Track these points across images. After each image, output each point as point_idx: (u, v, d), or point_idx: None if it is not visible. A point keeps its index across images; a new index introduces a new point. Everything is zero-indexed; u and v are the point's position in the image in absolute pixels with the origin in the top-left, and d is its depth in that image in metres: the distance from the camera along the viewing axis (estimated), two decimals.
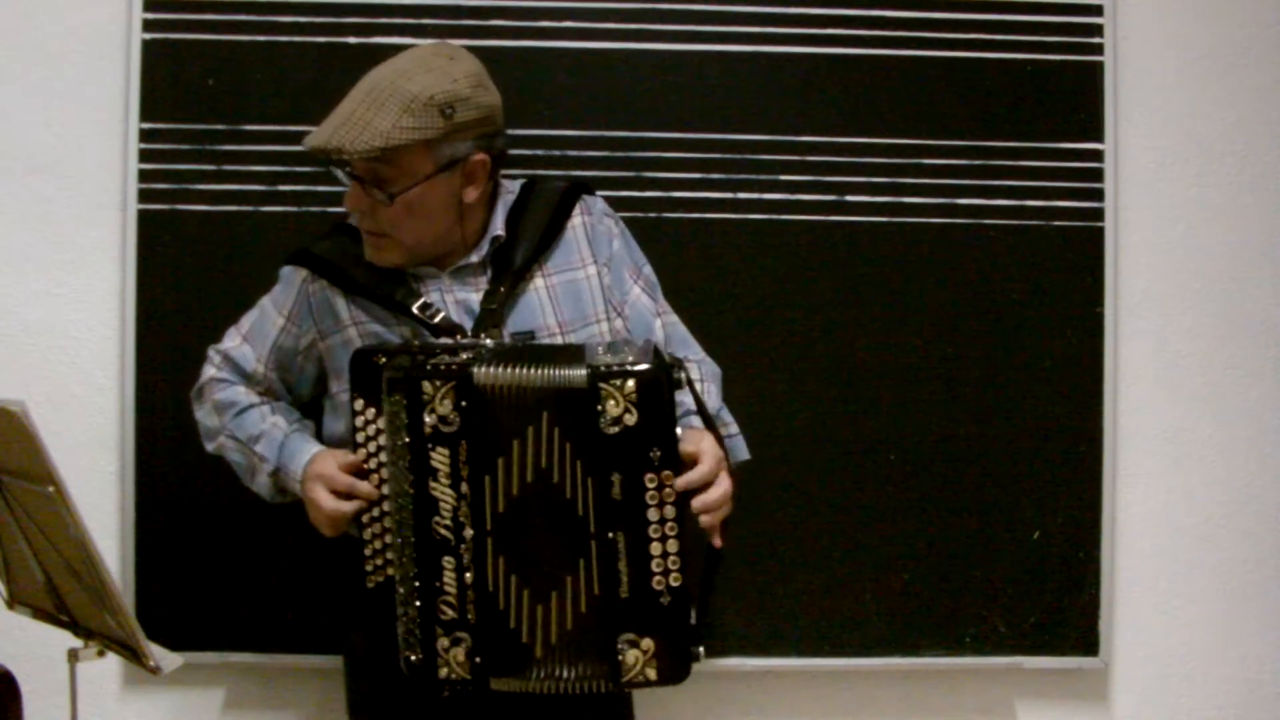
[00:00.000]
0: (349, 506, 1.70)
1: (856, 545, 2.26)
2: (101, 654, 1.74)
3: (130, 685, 2.27)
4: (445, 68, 1.66)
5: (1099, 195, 2.30)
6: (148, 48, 2.19)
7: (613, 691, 1.65)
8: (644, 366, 1.59)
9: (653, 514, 1.61)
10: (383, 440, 1.68)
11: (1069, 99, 2.29)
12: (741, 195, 2.25)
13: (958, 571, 2.28)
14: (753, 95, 2.25)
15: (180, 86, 2.19)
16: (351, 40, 2.21)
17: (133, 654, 1.68)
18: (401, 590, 1.65)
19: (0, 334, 2.25)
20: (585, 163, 2.19)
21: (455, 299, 1.75)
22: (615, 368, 1.59)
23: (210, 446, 1.88)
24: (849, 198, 2.26)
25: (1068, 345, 2.29)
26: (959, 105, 2.28)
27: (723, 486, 1.65)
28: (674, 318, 1.89)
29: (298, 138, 2.17)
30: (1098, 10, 2.29)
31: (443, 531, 1.63)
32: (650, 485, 1.61)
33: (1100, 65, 2.29)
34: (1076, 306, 2.29)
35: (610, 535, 1.61)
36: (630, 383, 1.58)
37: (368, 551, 1.72)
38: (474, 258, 1.76)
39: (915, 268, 2.27)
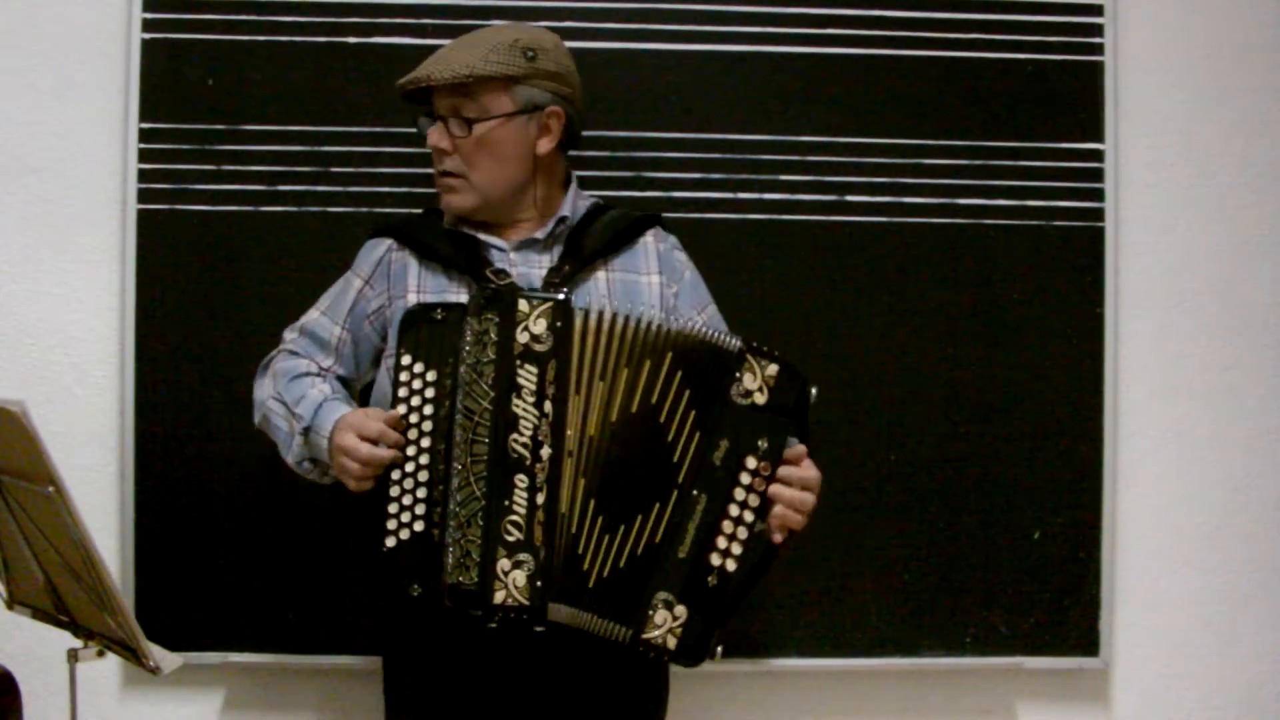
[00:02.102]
0: (384, 453, 1.67)
1: (856, 545, 2.26)
2: (101, 654, 1.74)
3: (130, 685, 2.27)
4: (533, 29, 1.84)
5: (1099, 195, 2.30)
6: (148, 48, 2.19)
7: (625, 644, 1.65)
8: (791, 363, 1.67)
9: (739, 493, 1.65)
10: (429, 394, 1.67)
11: (1069, 99, 2.29)
12: (741, 195, 2.25)
13: (958, 571, 2.28)
14: (753, 95, 2.25)
15: (180, 86, 2.19)
16: (351, 40, 2.21)
17: (133, 654, 1.68)
18: (461, 513, 1.64)
19: (0, 334, 2.25)
20: (585, 163, 2.19)
21: (517, 272, 1.80)
22: (766, 349, 1.67)
23: (257, 417, 1.88)
24: (849, 198, 2.26)
25: (1068, 345, 2.29)
26: (959, 105, 2.28)
27: (812, 500, 1.69)
28: None
29: (298, 138, 2.20)
30: (1098, 10, 2.29)
31: (519, 449, 1.65)
32: (749, 466, 1.65)
33: (1100, 65, 2.30)
34: (1076, 306, 2.30)
35: (694, 493, 1.65)
36: (773, 367, 1.67)
37: (392, 509, 1.69)
38: (539, 234, 1.82)
39: (915, 268, 2.27)
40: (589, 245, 1.82)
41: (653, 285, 1.84)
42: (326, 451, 1.75)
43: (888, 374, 2.26)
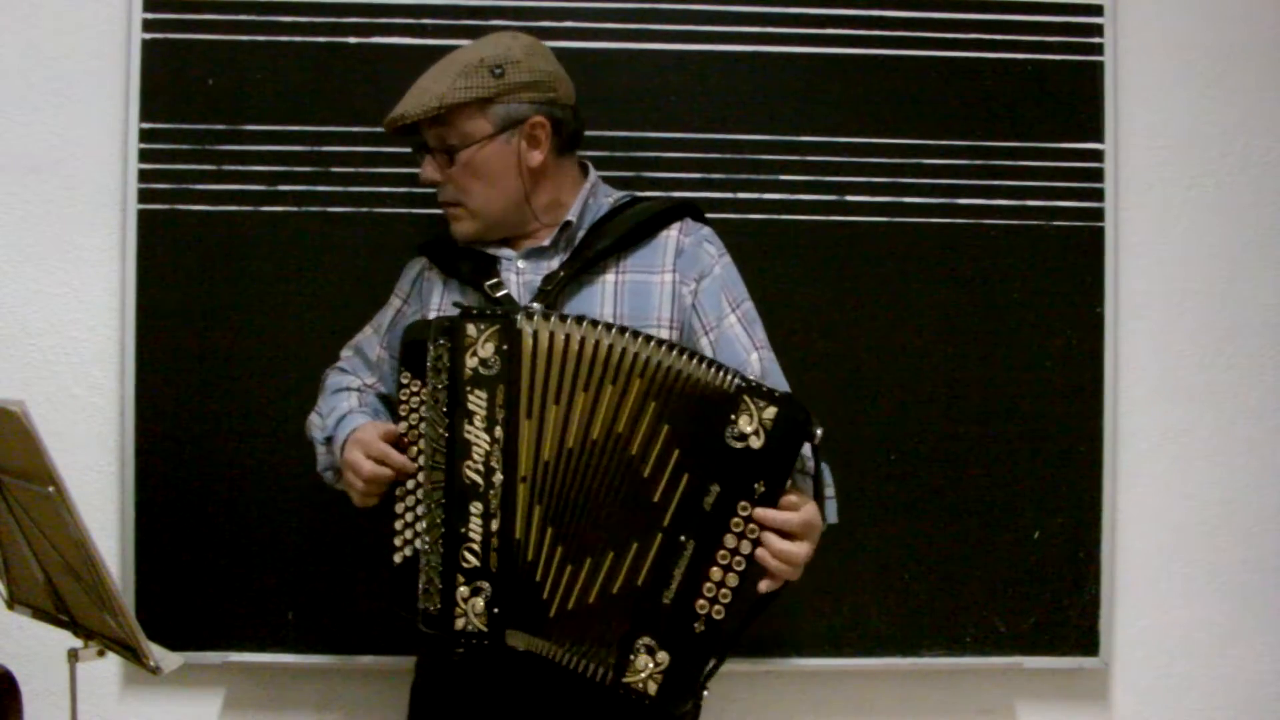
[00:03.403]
0: (383, 471, 1.69)
1: (856, 545, 2.26)
2: (101, 654, 1.74)
3: (130, 685, 2.27)
4: (503, 41, 1.79)
5: (1099, 195, 2.30)
6: (148, 48, 2.19)
7: (599, 684, 1.61)
8: (791, 402, 1.58)
9: (730, 540, 1.58)
10: (424, 412, 1.68)
11: (1069, 99, 2.29)
12: (741, 195, 2.25)
13: (958, 571, 2.28)
14: (753, 95, 2.25)
15: (180, 86, 2.19)
16: (351, 40, 2.21)
17: (133, 654, 1.68)
18: (426, 539, 1.64)
19: (0, 334, 2.25)
20: None
21: (523, 280, 1.79)
22: (764, 388, 1.58)
23: (308, 433, 1.89)
24: (849, 198, 2.26)
25: (1068, 345, 2.29)
26: (959, 105, 2.28)
27: (805, 550, 1.60)
28: (771, 355, 1.82)
29: (298, 138, 2.20)
30: (1098, 10, 2.29)
31: (472, 476, 1.62)
32: (742, 513, 1.58)
33: (1100, 65, 2.30)
34: (1076, 306, 2.30)
35: (682, 538, 1.58)
36: (771, 409, 1.57)
37: (397, 526, 1.70)
38: (545, 241, 1.80)
39: (915, 268, 2.27)
40: (597, 246, 1.78)
41: (664, 285, 1.78)
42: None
43: (888, 374, 2.26)
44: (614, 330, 1.62)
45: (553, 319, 1.63)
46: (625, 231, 1.78)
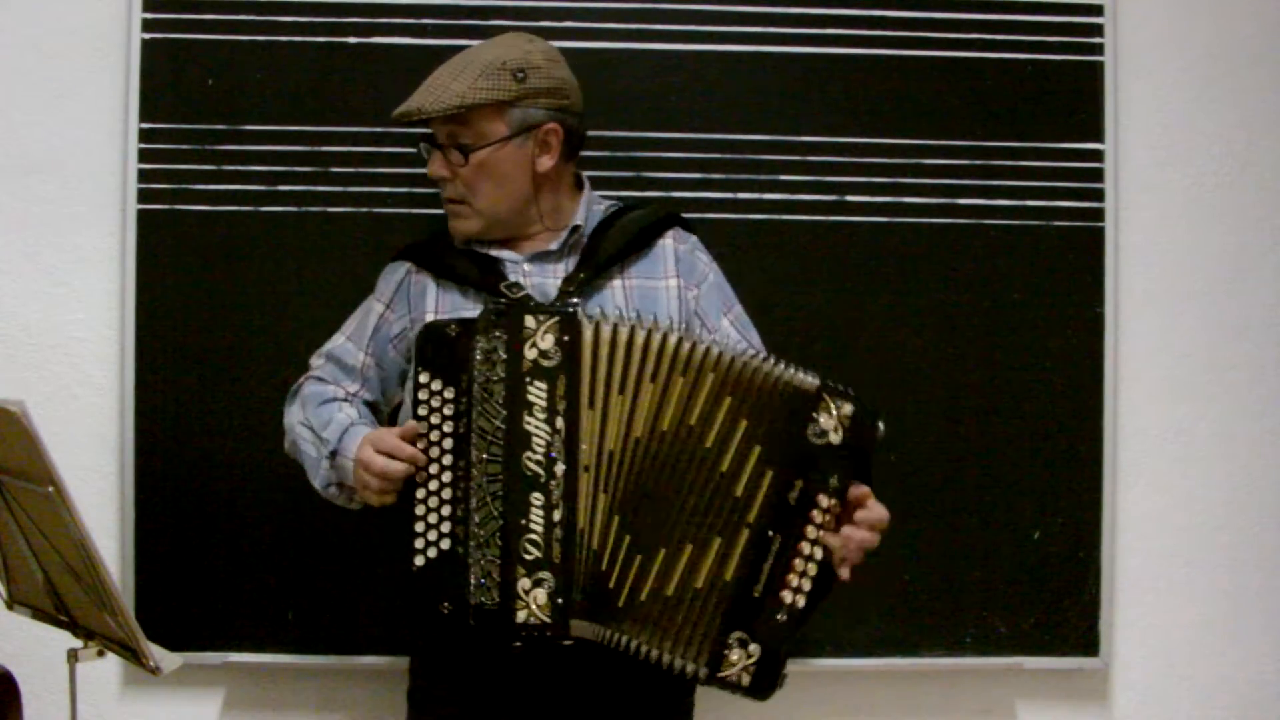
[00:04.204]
0: (398, 466, 1.66)
1: None
2: (101, 654, 1.74)
3: (130, 685, 2.27)
4: (520, 44, 1.80)
5: (1099, 195, 2.30)
6: (148, 48, 2.19)
7: (692, 680, 1.66)
8: (863, 401, 1.66)
9: (811, 531, 1.64)
10: (448, 411, 1.67)
11: (1069, 99, 2.29)
12: (741, 195, 2.25)
13: (958, 571, 2.28)
14: (753, 95, 2.25)
15: (180, 86, 2.19)
16: (351, 40, 2.21)
17: (133, 654, 1.68)
18: (481, 533, 1.63)
19: (0, 334, 2.25)
20: (585, 163, 2.18)
21: (533, 284, 1.79)
22: (842, 387, 1.66)
23: (287, 443, 1.88)
24: (849, 198, 2.26)
25: (1068, 345, 2.29)
26: (959, 105, 2.28)
27: (877, 540, 1.68)
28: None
29: (298, 138, 2.20)
30: (1098, 10, 2.29)
31: (533, 467, 1.64)
32: (821, 505, 1.64)
33: (1100, 65, 2.29)
34: (1076, 306, 2.30)
35: (770, 533, 1.64)
36: (849, 406, 1.66)
37: (419, 528, 1.68)
38: (553, 245, 1.82)
39: (915, 268, 2.27)
40: (604, 252, 1.81)
41: (670, 290, 1.82)
42: (352, 474, 1.74)
43: (888, 374, 2.26)
44: (677, 328, 1.68)
45: (610, 315, 1.67)
46: (629, 239, 1.82)
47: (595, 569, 1.65)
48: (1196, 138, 2.37)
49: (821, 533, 1.65)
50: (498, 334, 1.65)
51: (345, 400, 1.86)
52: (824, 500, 1.65)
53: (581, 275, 1.78)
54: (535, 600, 1.63)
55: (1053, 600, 2.29)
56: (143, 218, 2.19)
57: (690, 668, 1.65)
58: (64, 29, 2.23)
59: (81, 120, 2.23)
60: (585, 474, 1.65)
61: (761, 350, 1.81)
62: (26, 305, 2.25)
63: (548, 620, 1.63)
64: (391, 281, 1.88)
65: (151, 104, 2.19)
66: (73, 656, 1.73)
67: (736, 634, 1.64)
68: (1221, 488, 2.39)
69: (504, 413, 1.64)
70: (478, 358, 1.66)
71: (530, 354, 1.65)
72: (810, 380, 1.66)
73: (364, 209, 2.20)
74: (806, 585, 1.65)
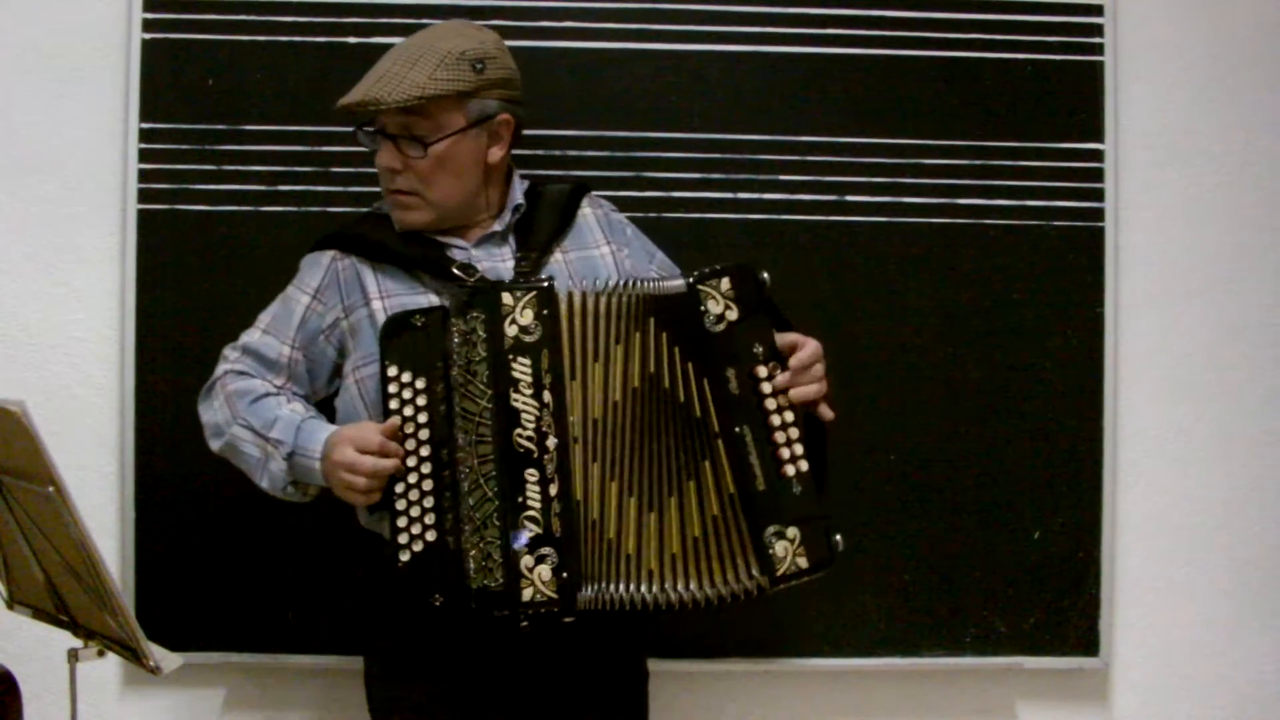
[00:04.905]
0: (388, 463, 1.65)
1: (856, 545, 2.25)
2: (101, 654, 1.74)
3: (130, 685, 2.27)
4: (472, 32, 1.80)
5: (1099, 195, 2.30)
6: (148, 48, 2.19)
7: (762, 594, 1.67)
8: (736, 266, 1.69)
9: (770, 404, 1.68)
10: (421, 402, 1.66)
11: (1069, 99, 2.29)
12: (741, 195, 2.25)
13: (958, 571, 2.28)
14: (753, 95, 2.25)
15: (180, 86, 2.19)
16: (351, 40, 2.21)
17: (133, 654, 1.68)
18: (477, 516, 1.63)
19: (0, 334, 2.25)
20: (585, 163, 2.19)
21: (483, 268, 1.78)
22: (707, 270, 1.69)
23: (217, 444, 1.82)
24: (849, 198, 2.26)
25: (1068, 345, 2.29)
26: (959, 105, 2.28)
27: (821, 369, 1.73)
28: None
29: (298, 138, 2.20)
30: (1098, 10, 2.29)
31: (525, 444, 1.65)
32: (762, 376, 1.68)
33: (1100, 65, 2.29)
34: (1076, 306, 2.30)
35: (737, 430, 1.67)
36: (725, 280, 1.69)
37: (401, 523, 1.66)
38: (498, 226, 1.82)
39: (915, 268, 2.27)
40: (541, 230, 1.82)
41: (606, 257, 1.85)
42: (318, 473, 1.72)
43: (888, 374, 2.26)
44: (626, 282, 1.71)
45: (574, 283, 1.70)
46: (559, 214, 1.85)
47: (601, 536, 1.66)
48: (1196, 138, 2.37)
49: (779, 398, 1.68)
50: (475, 314, 1.66)
51: (278, 394, 1.81)
52: (761, 371, 1.68)
53: (535, 254, 1.79)
54: (540, 577, 1.63)
55: (1053, 600, 2.29)
56: (143, 218, 2.19)
57: (750, 584, 1.67)
58: (64, 29, 2.23)
59: (81, 120, 2.23)
60: (575, 445, 1.66)
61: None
62: (26, 305, 2.25)
63: (554, 596, 1.63)
64: (316, 271, 1.83)
65: (151, 104, 2.19)
66: (73, 656, 1.73)
67: (770, 530, 1.66)
68: (1221, 488, 2.39)
69: (489, 392, 1.65)
70: (455, 341, 1.66)
71: (511, 331, 1.66)
72: (677, 282, 1.71)
73: (364, 209, 2.19)
74: (799, 449, 1.68)
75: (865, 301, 2.27)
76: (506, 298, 1.66)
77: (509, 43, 2.20)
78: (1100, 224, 2.30)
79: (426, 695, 1.78)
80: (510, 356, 1.65)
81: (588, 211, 1.89)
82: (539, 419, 1.65)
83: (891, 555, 2.27)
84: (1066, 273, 2.29)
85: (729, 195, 2.25)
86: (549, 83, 2.21)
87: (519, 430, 1.64)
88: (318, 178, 2.20)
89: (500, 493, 1.64)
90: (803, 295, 2.25)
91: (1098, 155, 2.30)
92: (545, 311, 1.65)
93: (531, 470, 1.64)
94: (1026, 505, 2.29)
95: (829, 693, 2.34)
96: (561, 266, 1.81)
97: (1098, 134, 2.30)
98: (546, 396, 1.65)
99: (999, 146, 2.28)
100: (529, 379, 1.65)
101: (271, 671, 2.25)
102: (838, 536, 1.69)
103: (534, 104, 2.19)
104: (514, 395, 1.65)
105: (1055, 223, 2.29)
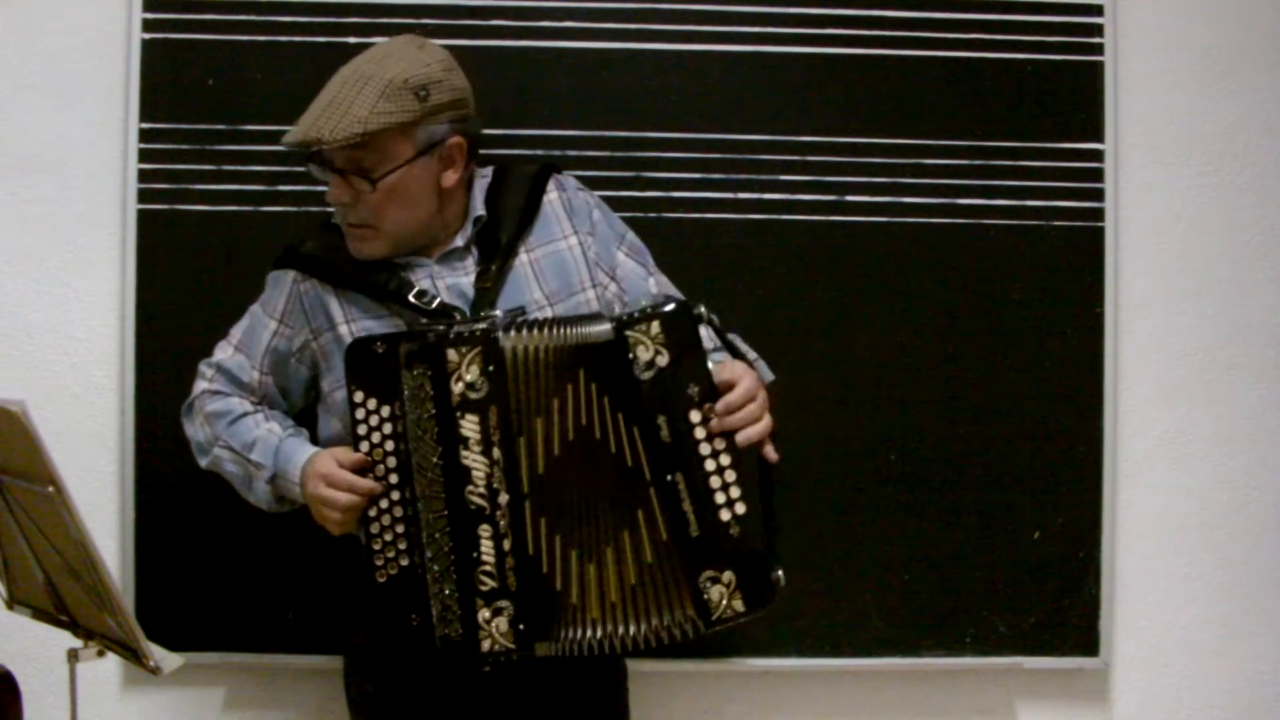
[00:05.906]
0: (356, 500, 1.67)
1: (856, 545, 2.26)
2: (101, 654, 1.74)
3: (130, 685, 2.27)
4: (415, 55, 1.71)
5: (1099, 195, 2.30)
6: (148, 48, 2.19)
7: (696, 635, 1.65)
8: (665, 307, 1.65)
9: (704, 448, 1.64)
10: (387, 429, 1.67)
11: (1069, 99, 2.29)
12: (741, 195, 2.25)
13: (958, 571, 2.28)
14: (753, 95, 2.25)
15: (180, 86, 2.19)
16: (351, 40, 2.20)
17: (133, 654, 1.68)
18: (435, 568, 1.65)
19: (0, 334, 2.25)
20: (585, 163, 2.19)
21: (446, 284, 1.76)
22: (637, 314, 1.64)
23: (204, 461, 1.85)
24: (849, 198, 2.26)
25: (1068, 345, 2.29)
26: (959, 105, 2.28)
27: (761, 405, 1.66)
28: (664, 278, 1.90)
29: None
30: (1098, 10, 2.29)
31: (477, 500, 1.64)
32: (696, 421, 1.64)
33: (1100, 65, 2.29)
34: (1076, 306, 2.30)
35: (669, 478, 1.64)
36: (655, 324, 1.63)
37: (376, 545, 1.69)
38: (459, 241, 1.78)
39: (915, 268, 2.27)
40: (504, 232, 1.78)
41: (574, 249, 1.81)
42: (298, 493, 1.75)
43: (888, 374, 2.26)
44: (562, 328, 1.65)
45: (522, 330, 1.65)
46: (522, 211, 1.80)
47: (550, 589, 1.65)
48: (1196, 138, 2.37)
49: (716, 441, 1.63)
50: (420, 370, 1.64)
51: (255, 412, 1.83)
52: (695, 415, 1.63)
53: (493, 268, 1.75)
54: (497, 629, 1.64)
55: (1053, 600, 2.29)
56: (143, 218, 2.19)
57: (687, 628, 1.66)
58: (64, 29, 2.23)
59: (81, 120, 2.23)
60: (527, 500, 1.65)
61: (652, 274, 1.86)
62: (27, 305, 2.25)
63: (512, 646, 1.65)
64: (279, 294, 1.81)
65: (151, 104, 2.19)
66: (73, 656, 1.73)
67: (705, 575, 1.64)
68: (1221, 488, 2.39)
69: (439, 448, 1.64)
70: (405, 393, 1.65)
71: (457, 388, 1.63)
72: (603, 328, 1.64)
73: None
74: (736, 492, 1.64)
75: (865, 301, 2.27)
76: (451, 354, 1.63)
77: (509, 43, 2.22)
78: (1100, 224, 2.30)
79: (403, 693, 1.80)
80: (458, 414, 1.63)
81: (553, 196, 1.83)
82: (490, 475, 1.64)
83: (891, 555, 2.27)
84: (1066, 273, 2.29)
85: (729, 195, 2.25)
86: (549, 83, 2.22)
87: (470, 487, 1.64)
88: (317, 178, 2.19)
89: (454, 548, 1.64)
90: (803, 295, 2.26)
91: (1098, 155, 2.30)
92: (491, 367, 1.63)
93: (485, 526, 1.64)
94: (1026, 505, 2.29)
95: (829, 693, 2.34)
96: (526, 269, 1.78)
97: (1098, 134, 2.30)
98: (496, 453, 1.64)
99: (999, 146, 2.28)
100: (477, 436, 1.63)
101: (271, 671, 2.25)
102: (779, 573, 1.66)
103: (534, 104, 2.21)
104: (464, 453, 1.64)
105: (1055, 223, 2.29)
